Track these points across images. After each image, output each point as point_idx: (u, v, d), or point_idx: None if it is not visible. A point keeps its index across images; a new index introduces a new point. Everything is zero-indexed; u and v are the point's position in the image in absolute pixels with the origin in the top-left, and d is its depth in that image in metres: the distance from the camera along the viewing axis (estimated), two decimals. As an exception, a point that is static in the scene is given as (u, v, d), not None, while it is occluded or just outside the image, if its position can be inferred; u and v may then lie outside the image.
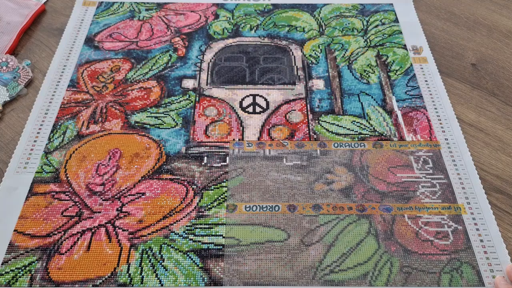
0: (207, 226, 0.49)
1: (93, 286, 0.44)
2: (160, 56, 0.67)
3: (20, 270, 0.45)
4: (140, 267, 0.46)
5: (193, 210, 0.50)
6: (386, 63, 0.66)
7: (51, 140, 0.56)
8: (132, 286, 0.45)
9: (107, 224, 0.49)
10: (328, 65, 0.66)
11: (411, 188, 0.52)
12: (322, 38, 0.70)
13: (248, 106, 0.61)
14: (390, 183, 0.53)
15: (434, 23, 0.73)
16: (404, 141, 0.57)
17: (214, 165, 0.54)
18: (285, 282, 0.45)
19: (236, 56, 0.67)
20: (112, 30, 0.71)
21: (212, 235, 0.48)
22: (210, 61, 0.67)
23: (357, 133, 0.58)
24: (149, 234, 0.48)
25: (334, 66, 0.66)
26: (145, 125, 0.58)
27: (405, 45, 0.69)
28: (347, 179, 0.53)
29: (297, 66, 0.66)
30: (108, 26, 0.72)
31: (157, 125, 0.58)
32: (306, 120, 0.59)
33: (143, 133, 0.57)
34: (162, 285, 0.45)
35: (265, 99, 0.61)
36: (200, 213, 0.50)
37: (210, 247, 0.47)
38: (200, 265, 0.46)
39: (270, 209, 0.50)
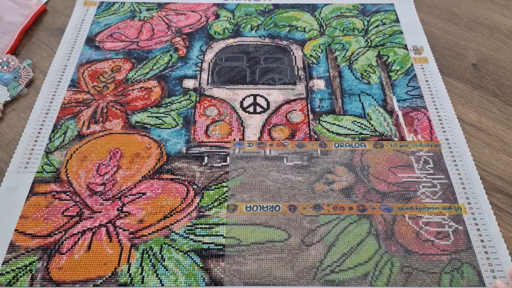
0: (208, 226, 0.49)
1: (93, 286, 0.44)
2: (160, 56, 0.67)
3: (20, 270, 0.45)
4: (140, 267, 0.46)
5: (193, 210, 0.50)
6: (386, 63, 0.66)
7: (52, 140, 0.56)
8: (133, 286, 0.45)
9: (107, 224, 0.49)
10: (328, 65, 0.66)
11: (411, 188, 0.52)
12: (323, 38, 0.70)
13: (248, 106, 0.61)
14: (391, 183, 0.53)
15: (434, 23, 0.73)
16: (404, 141, 0.57)
17: (214, 165, 0.54)
18: (285, 282, 0.45)
19: (236, 56, 0.67)
20: (113, 30, 0.71)
21: (212, 235, 0.48)
22: (211, 61, 0.67)
23: (357, 133, 0.58)
24: (149, 234, 0.48)
25: (334, 66, 0.66)
26: (145, 125, 0.58)
27: (405, 45, 0.69)
28: (347, 179, 0.53)
29: (297, 66, 0.66)
30: (108, 26, 0.72)
31: (158, 125, 0.58)
32: (307, 120, 0.59)
33: (144, 133, 0.57)
34: (162, 285, 0.45)
35: (266, 99, 0.61)
36: (201, 213, 0.50)
37: (210, 247, 0.47)
38: (200, 265, 0.46)
39: (271, 209, 0.50)
